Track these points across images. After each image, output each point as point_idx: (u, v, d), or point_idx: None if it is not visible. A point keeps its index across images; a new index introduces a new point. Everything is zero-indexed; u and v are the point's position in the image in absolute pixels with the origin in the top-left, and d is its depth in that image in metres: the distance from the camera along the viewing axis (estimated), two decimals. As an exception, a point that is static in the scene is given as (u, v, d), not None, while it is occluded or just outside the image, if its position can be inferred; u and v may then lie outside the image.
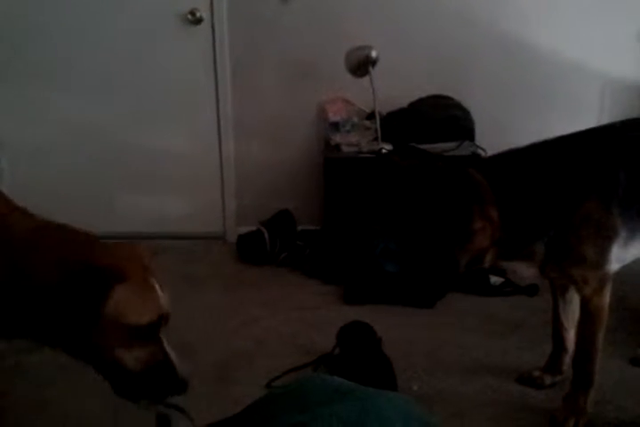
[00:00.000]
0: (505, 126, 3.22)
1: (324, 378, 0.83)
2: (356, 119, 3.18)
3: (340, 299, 2.72)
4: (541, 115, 3.27)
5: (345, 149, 3.05)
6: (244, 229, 3.30)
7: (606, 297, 1.69)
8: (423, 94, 3.16)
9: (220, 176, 3.44)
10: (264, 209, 3.31)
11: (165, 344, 1.17)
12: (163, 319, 1.18)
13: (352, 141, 3.08)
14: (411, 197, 1.68)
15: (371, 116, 3.14)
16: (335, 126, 3.16)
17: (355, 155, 3.01)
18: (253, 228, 3.21)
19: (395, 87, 3.14)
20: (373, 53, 2.97)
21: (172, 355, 1.16)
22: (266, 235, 3.13)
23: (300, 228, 3.27)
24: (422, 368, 2.12)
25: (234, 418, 0.82)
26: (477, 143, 3.04)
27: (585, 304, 1.73)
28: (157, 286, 1.19)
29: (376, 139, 3.05)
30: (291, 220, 3.27)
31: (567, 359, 1.95)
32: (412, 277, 2.65)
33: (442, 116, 3.06)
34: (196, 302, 2.67)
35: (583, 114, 3.22)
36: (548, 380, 1.99)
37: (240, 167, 3.42)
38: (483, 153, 2.94)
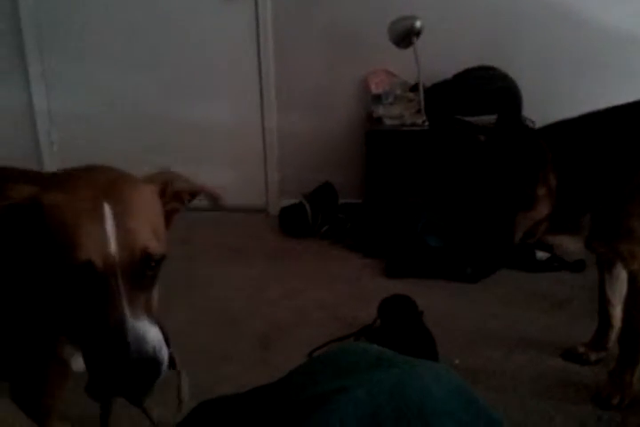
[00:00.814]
0: (552, 97, 3.12)
1: (364, 346, 0.83)
2: (398, 91, 3.13)
3: (381, 272, 2.72)
4: (589, 85, 3.15)
5: (387, 121, 3.02)
6: (286, 202, 3.32)
7: (654, 273, 1.65)
8: (468, 66, 3.09)
9: (262, 149, 3.45)
10: (306, 182, 3.31)
11: (126, 309, 0.86)
12: (102, 267, 0.87)
13: (394, 114, 3.04)
14: (479, 164, 1.68)
15: (414, 88, 3.09)
16: (377, 98, 3.12)
17: (397, 127, 2.98)
18: (296, 201, 3.22)
19: (439, 58, 3.08)
20: (418, 24, 2.90)
21: (141, 327, 0.86)
22: (308, 208, 3.14)
23: (341, 201, 3.27)
24: (464, 343, 2.11)
25: (276, 383, 0.83)
26: (524, 115, 2.97)
27: (632, 280, 1.68)
28: (108, 225, 0.88)
29: (419, 111, 3.00)
30: (333, 193, 3.26)
31: (613, 336, 1.91)
32: (455, 251, 2.63)
33: (487, 88, 2.99)
34: (238, 273, 2.71)
35: (633, 84, 3.09)
36: (593, 356, 1.96)
37: (282, 140, 3.43)
38: (530, 124, 2.87)
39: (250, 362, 1.99)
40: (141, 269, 0.89)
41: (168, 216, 1.04)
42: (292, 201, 3.25)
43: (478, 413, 0.70)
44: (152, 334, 0.86)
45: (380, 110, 3.08)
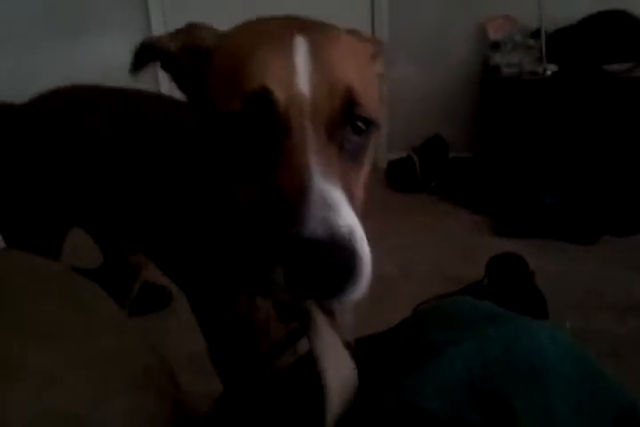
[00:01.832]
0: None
1: (474, 301, 0.79)
2: (518, 37, 2.94)
3: (491, 230, 2.63)
4: None
5: (505, 70, 2.86)
6: (394, 156, 3.26)
7: None
8: (593, 10, 2.84)
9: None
10: (415, 135, 3.23)
11: (313, 164, 0.60)
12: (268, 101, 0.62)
13: (513, 62, 2.87)
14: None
15: (535, 34, 2.89)
16: (496, 45, 2.96)
17: (515, 76, 2.81)
18: (404, 154, 3.16)
19: (564, 2, 2.85)
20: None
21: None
22: (416, 162, 3.07)
23: (452, 155, 3.17)
24: (577, 305, 2.01)
25: (383, 334, 0.82)
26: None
27: None
28: (299, 54, 0.64)
29: (540, 59, 2.81)
30: (443, 146, 3.16)
31: None
32: (572, 209, 2.49)
33: (616, 34, 2.74)
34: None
35: None
36: None
37: (392, 90, 3.34)
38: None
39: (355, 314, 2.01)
40: (342, 119, 0.65)
41: None
42: (401, 154, 3.19)
43: (593, 376, 0.66)
44: (346, 213, 0.59)
45: (497, 58, 2.92)
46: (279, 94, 0.62)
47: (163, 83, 3.53)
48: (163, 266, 1.10)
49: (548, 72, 2.75)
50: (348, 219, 0.59)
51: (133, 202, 1.05)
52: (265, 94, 0.62)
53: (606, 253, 2.37)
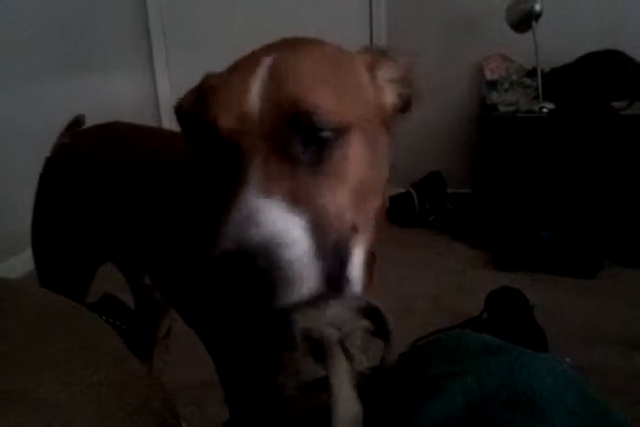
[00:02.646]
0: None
1: (474, 334, 0.80)
2: (515, 77, 3.01)
3: (489, 264, 2.64)
4: None
5: (502, 108, 2.91)
6: (393, 191, 3.28)
7: None
8: (589, 50, 2.91)
9: (370, 136, 3.43)
10: (414, 170, 3.27)
11: (251, 179, 0.62)
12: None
13: (510, 100, 2.92)
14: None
15: (532, 73, 2.95)
16: (492, 85, 3.02)
17: (512, 114, 2.86)
18: (403, 189, 3.19)
19: (559, 42, 2.93)
20: (537, 7, 2.77)
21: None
22: (415, 197, 3.10)
23: (450, 190, 3.20)
24: (578, 341, 2.00)
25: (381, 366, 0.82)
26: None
27: None
28: (257, 76, 0.66)
29: (536, 97, 2.87)
30: (441, 182, 3.20)
31: None
32: (570, 244, 2.50)
33: (611, 73, 2.80)
34: (343, 260, 2.72)
35: None
36: None
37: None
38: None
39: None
40: (287, 131, 0.63)
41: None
42: (399, 190, 3.21)
43: (594, 408, 0.65)
44: (272, 221, 0.58)
45: (494, 97, 2.98)
46: (223, 119, 0.65)
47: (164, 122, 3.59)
48: (172, 300, 1.11)
49: (545, 110, 2.80)
50: (271, 226, 0.57)
51: (154, 239, 1.07)
52: (214, 121, 0.65)
53: (606, 287, 2.37)
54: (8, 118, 2.57)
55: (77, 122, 1.32)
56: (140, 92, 3.50)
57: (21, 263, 2.43)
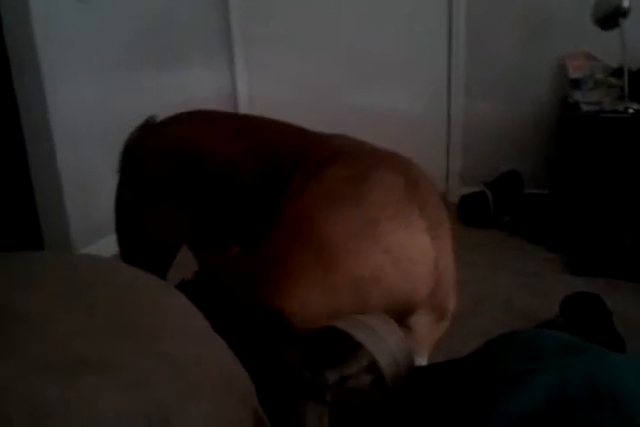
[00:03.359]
0: None
1: (552, 332, 0.79)
2: (599, 76, 2.90)
3: (564, 268, 2.56)
4: None
5: (584, 107, 2.81)
6: (467, 190, 3.24)
7: None
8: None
9: (446, 134, 3.39)
10: (490, 170, 3.21)
11: None
12: None
13: (593, 100, 2.82)
14: None
15: (617, 72, 2.84)
16: (575, 83, 2.92)
17: (595, 114, 2.76)
18: (477, 189, 3.14)
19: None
20: (625, 3, 2.66)
21: None
22: (490, 197, 3.04)
23: (527, 191, 3.12)
24: (657, 350, 1.93)
25: (457, 361, 0.82)
26: None
27: None
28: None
29: (622, 97, 2.76)
30: (518, 182, 3.12)
31: None
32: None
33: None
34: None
35: None
36: None
37: (468, 125, 3.34)
38: None
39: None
40: None
41: None
42: (474, 189, 3.16)
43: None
44: None
45: (576, 95, 2.88)
46: None
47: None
48: None
49: (630, 111, 2.69)
50: None
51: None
52: None
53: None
54: (92, 109, 2.69)
55: (150, 121, 1.38)
56: (220, 87, 3.58)
57: (103, 249, 2.54)
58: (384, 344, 0.77)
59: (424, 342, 0.88)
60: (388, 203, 0.92)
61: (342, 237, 0.88)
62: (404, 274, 0.89)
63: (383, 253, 0.88)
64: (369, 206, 0.91)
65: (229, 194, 1.19)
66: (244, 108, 3.67)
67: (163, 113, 1.43)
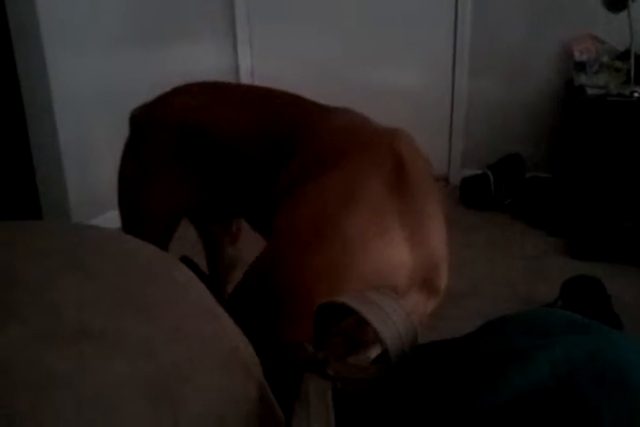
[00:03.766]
0: None
1: (559, 311, 0.78)
2: (605, 59, 2.87)
3: (564, 252, 2.57)
4: None
5: (589, 91, 2.79)
6: (468, 172, 3.23)
7: None
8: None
9: (449, 115, 3.37)
10: (492, 152, 3.20)
11: None
12: None
13: (599, 83, 2.80)
14: None
15: (624, 55, 2.81)
16: (581, 66, 2.89)
17: (600, 98, 2.74)
18: (479, 171, 3.12)
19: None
20: (635, -15, 2.62)
21: None
22: (491, 179, 3.03)
23: (529, 174, 3.11)
24: (655, 333, 1.94)
25: (460, 338, 0.82)
26: None
27: None
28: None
29: (628, 81, 2.73)
30: (520, 164, 3.11)
31: None
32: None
33: None
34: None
35: None
36: None
37: (471, 106, 3.31)
38: None
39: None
40: None
41: None
42: (475, 171, 3.15)
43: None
44: None
45: (582, 79, 2.86)
46: None
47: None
48: None
49: (636, 95, 2.67)
50: None
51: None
52: None
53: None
54: (94, 84, 2.67)
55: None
56: (222, 62, 3.54)
57: (103, 225, 2.54)
58: (390, 320, 0.77)
59: (415, 321, 0.89)
60: (368, 220, 0.93)
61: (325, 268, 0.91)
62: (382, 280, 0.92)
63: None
64: (349, 228, 0.92)
65: (233, 166, 1.18)
66: (247, 82, 3.63)
67: (165, 85, 1.41)
